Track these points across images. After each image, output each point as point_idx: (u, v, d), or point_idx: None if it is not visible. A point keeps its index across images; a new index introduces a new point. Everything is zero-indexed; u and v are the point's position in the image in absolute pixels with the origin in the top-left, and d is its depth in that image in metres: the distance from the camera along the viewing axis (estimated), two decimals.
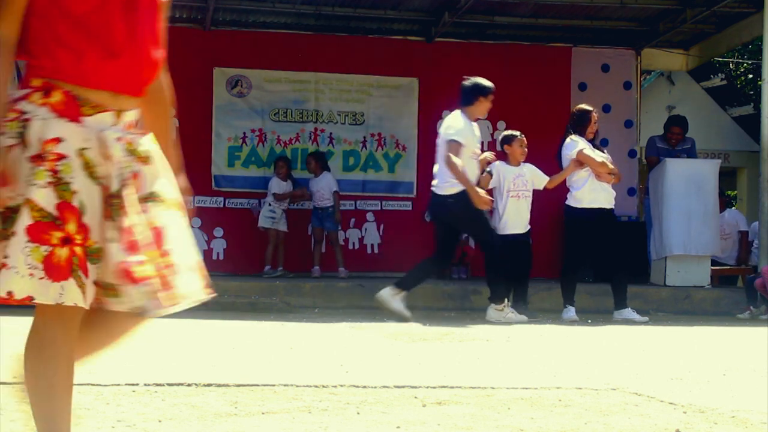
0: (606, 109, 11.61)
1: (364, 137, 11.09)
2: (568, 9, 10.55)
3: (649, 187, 10.27)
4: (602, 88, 11.57)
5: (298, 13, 10.62)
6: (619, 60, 11.68)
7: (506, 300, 7.57)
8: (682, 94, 15.02)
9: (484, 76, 11.19)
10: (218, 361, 4.31)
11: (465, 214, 7.43)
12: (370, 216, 10.97)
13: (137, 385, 3.41)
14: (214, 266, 10.50)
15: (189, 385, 3.45)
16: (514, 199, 8.01)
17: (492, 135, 11.36)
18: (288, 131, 10.94)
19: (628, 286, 8.15)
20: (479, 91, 7.57)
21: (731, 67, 18.19)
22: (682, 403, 3.38)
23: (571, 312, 7.94)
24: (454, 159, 7.29)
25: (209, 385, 3.45)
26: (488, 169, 7.99)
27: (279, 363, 4.33)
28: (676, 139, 10.30)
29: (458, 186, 7.35)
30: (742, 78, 18.67)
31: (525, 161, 8.25)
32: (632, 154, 11.72)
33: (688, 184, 9.63)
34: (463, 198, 7.35)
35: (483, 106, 7.62)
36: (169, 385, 3.43)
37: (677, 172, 9.68)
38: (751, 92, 17.44)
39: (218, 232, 10.71)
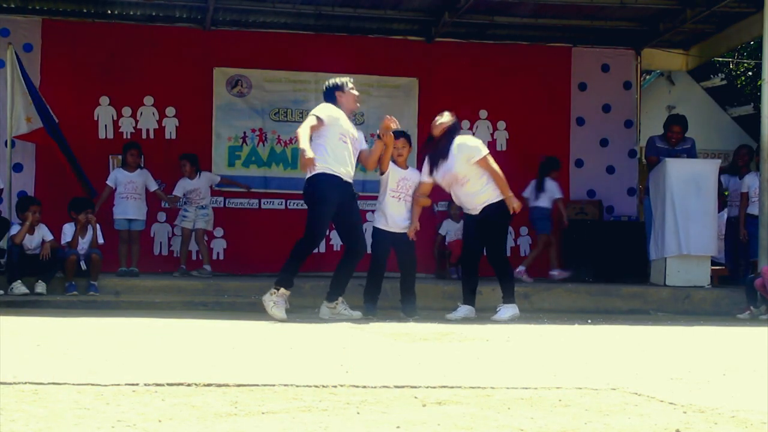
0: (606, 109, 11.64)
1: (365, 137, 11.07)
2: (568, 9, 10.55)
3: (649, 187, 10.27)
4: (602, 88, 11.59)
5: (298, 13, 10.63)
6: (619, 60, 11.69)
7: (340, 298, 7.47)
8: (682, 94, 15.01)
9: (484, 76, 11.31)
10: (218, 361, 4.31)
11: (310, 200, 7.37)
12: (370, 216, 10.95)
13: (137, 385, 3.41)
14: (214, 266, 10.51)
15: (189, 385, 3.45)
16: (394, 200, 7.91)
17: (492, 135, 11.37)
18: (288, 131, 10.94)
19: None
20: (335, 88, 7.58)
21: (731, 67, 18.19)
22: (682, 403, 3.38)
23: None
24: (302, 128, 7.21)
25: (209, 385, 3.45)
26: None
27: (279, 363, 4.33)
28: (676, 138, 10.29)
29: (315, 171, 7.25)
30: (742, 78, 18.67)
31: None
32: (632, 154, 11.73)
33: (688, 184, 9.63)
34: (313, 182, 7.29)
35: (346, 99, 7.60)
36: (169, 385, 3.43)
37: (677, 172, 9.68)
38: (751, 92, 17.43)
39: (218, 232, 10.71)
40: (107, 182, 9.86)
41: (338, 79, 7.64)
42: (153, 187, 9.99)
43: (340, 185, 7.37)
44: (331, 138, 7.37)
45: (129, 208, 9.83)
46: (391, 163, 8.08)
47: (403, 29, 11.26)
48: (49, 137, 9.74)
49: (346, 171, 7.46)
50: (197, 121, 10.71)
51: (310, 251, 7.49)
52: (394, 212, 7.90)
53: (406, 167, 8.07)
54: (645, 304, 9.13)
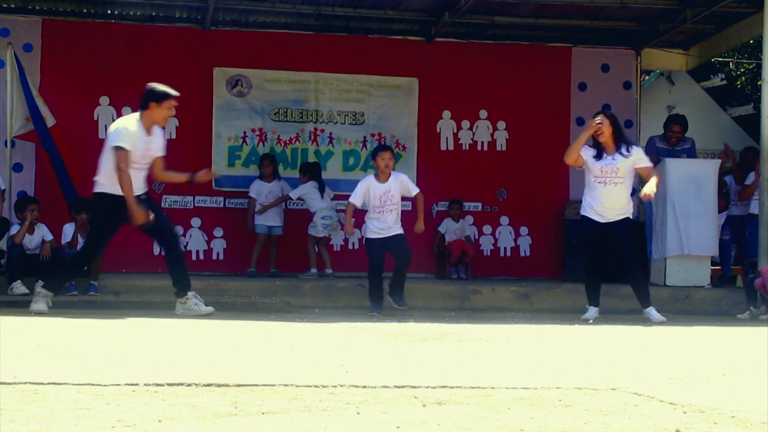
0: (606, 109, 11.61)
1: (364, 137, 11.10)
2: (568, 9, 10.55)
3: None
4: (602, 88, 11.58)
5: (298, 13, 10.62)
6: (619, 60, 11.68)
7: (189, 292, 7.42)
8: (682, 94, 15.01)
9: (484, 76, 11.31)
10: (218, 361, 4.31)
11: (96, 215, 7.48)
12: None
13: (137, 385, 3.41)
14: (214, 266, 10.53)
15: (189, 385, 3.45)
16: (379, 214, 8.24)
17: (492, 135, 11.37)
18: (288, 131, 10.95)
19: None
20: (150, 96, 7.30)
21: (731, 67, 18.19)
22: (682, 403, 3.38)
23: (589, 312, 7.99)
24: (123, 168, 7.19)
25: (209, 385, 3.45)
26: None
27: (279, 363, 4.33)
28: (676, 138, 10.29)
29: (103, 188, 7.30)
30: (742, 78, 18.67)
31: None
32: None
33: (687, 184, 9.63)
34: (99, 200, 7.36)
35: (156, 113, 7.28)
36: (169, 385, 3.43)
37: (677, 172, 9.68)
38: (751, 92, 17.43)
39: (218, 232, 10.71)
40: (250, 194, 10.35)
41: (160, 89, 7.34)
42: (332, 194, 10.42)
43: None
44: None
45: (269, 216, 10.30)
46: (372, 179, 8.34)
47: (403, 29, 11.25)
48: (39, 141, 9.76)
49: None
50: (197, 121, 10.70)
51: (75, 266, 7.74)
52: (381, 222, 8.23)
53: (388, 178, 8.26)
54: None
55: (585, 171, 7.97)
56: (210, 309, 7.40)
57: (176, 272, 7.46)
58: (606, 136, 7.80)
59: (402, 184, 8.28)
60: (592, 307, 7.95)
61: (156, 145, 7.44)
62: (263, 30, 11.01)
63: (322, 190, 10.30)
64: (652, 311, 7.87)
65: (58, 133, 9.91)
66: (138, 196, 7.27)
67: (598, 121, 7.79)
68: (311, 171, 10.40)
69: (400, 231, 8.30)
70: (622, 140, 7.87)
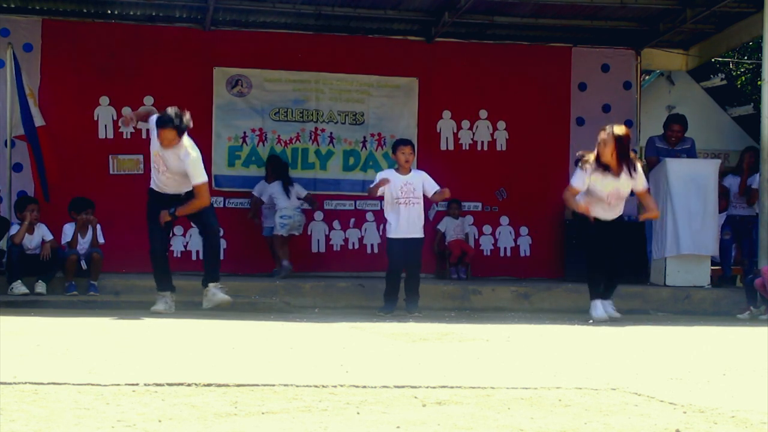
0: (606, 109, 11.63)
1: (364, 137, 11.10)
2: (568, 9, 10.55)
3: (648, 187, 10.25)
4: (602, 88, 11.59)
5: (298, 13, 10.63)
6: (619, 60, 11.69)
7: (210, 284, 7.59)
8: (682, 94, 15.01)
9: (484, 76, 11.32)
10: (218, 361, 4.31)
11: None
12: (369, 216, 10.98)
13: (137, 385, 3.41)
14: None
15: (189, 385, 3.45)
16: (401, 206, 8.13)
17: (492, 135, 11.37)
18: (288, 131, 10.95)
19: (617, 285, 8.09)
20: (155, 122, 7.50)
21: (731, 67, 18.19)
22: (682, 403, 3.38)
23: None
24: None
25: (209, 385, 3.45)
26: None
27: (279, 363, 4.33)
28: (676, 138, 10.29)
29: None
30: (742, 78, 18.67)
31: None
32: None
33: (688, 184, 9.63)
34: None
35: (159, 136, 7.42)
36: (169, 385, 3.43)
37: (677, 172, 9.68)
38: (751, 92, 17.44)
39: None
40: (253, 193, 10.45)
41: (163, 115, 7.42)
42: (303, 193, 10.37)
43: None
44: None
45: (269, 216, 10.34)
46: (392, 171, 8.31)
47: (403, 29, 11.26)
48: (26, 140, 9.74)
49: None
50: (197, 121, 10.57)
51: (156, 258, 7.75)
52: (404, 218, 8.10)
53: (409, 172, 8.24)
54: (645, 304, 9.14)
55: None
56: (225, 298, 7.53)
57: (205, 262, 7.76)
58: (607, 157, 7.60)
59: (424, 181, 8.21)
60: (597, 301, 7.76)
61: (172, 161, 7.45)
62: (263, 30, 11.01)
63: (287, 190, 10.21)
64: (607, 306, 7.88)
65: (48, 133, 9.86)
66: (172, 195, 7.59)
67: (603, 137, 7.63)
68: (278, 171, 10.36)
69: (421, 235, 8.23)
70: (627, 164, 7.67)
